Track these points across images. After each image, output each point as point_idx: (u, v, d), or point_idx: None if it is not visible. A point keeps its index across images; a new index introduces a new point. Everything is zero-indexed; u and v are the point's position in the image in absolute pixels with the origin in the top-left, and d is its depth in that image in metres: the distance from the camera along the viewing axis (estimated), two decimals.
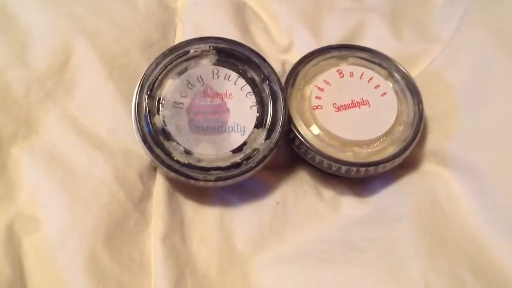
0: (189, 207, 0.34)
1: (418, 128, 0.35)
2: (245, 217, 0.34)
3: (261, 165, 0.33)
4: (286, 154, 0.36)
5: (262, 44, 0.41)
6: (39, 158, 0.32)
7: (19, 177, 0.32)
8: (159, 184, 0.34)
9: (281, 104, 0.34)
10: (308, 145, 0.34)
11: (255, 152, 0.33)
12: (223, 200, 0.35)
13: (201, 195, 0.35)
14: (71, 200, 0.31)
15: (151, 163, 0.34)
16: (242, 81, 0.35)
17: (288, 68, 0.38)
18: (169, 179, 0.34)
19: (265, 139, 0.33)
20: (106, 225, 0.31)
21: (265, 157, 0.33)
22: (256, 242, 0.34)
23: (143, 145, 0.33)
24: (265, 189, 0.35)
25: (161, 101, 0.33)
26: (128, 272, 0.31)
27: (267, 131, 0.34)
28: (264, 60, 0.35)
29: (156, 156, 0.32)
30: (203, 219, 0.34)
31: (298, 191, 0.36)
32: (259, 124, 0.34)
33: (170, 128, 0.33)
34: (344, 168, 0.34)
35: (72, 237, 0.30)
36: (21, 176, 0.32)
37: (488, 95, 0.36)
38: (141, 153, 0.34)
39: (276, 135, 0.33)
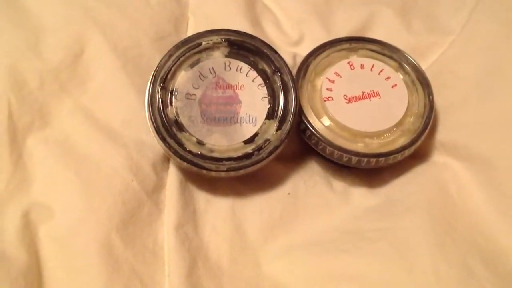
0: (202, 198, 0.35)
1: (429, 119, 0.35)
2: (257, 208, 0.35)
3: (272, 156, 0.33)
4: (297, 145, 0.37)
5: (272, 36, 0.42)
6: (53, 149, 0.33)
7: (34, 167, 0.32)
8: (172, 175, 0.34)
9: (292, 96, 0.34)
10: (319, 136, 0.34)
11: (267, 142, 0.33)
12: (235, 191, 0.35)
13: (213, 186, 0.35)
14: (85, 189, 0.32)
15: (164, 153, 0.34)
16: (253, 73, 0.35)
17: (299, 60, 0.38)
18: (181, 170, 0.35)
19: (277, 130, 0.34)
20: (120, 214, 0.32)
21: (276, 147, 0.33)
22: (267, 232, 0.34)
23: (156, 136, 0.33)
24: (276, 180, 0.36)
25: (173, 93, 0.34)
26: (142, 260, 0.31)
27: (279, 122, 0.34)
28: (275, 52, 0.35)
29: (169, 147, 0.33)
30: (215, 209, 0.34)
31: (309, 182, 0.36)
32: (271, 115, 0.34)
33: (183, 119, 0.33)
34: (355, 159, 0.34)
35: (86, 225, 0.31)
36: (36, 166, 0.32)
37: (499, 87, 0.36)
38: (154, 144, 0.34)
39: (287, 126, 0.34)
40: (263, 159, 0.33)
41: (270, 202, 0.35)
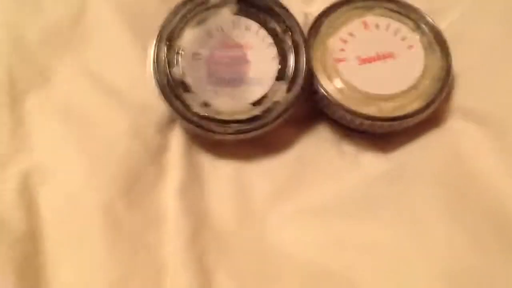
0: (207, 161, 0.34)
1: (445, 83, 0.34)
2: (263, 172, 0.34)
3: (281, 119, 0.32)
4: (308, 108, 0.35)
5: None
6: (55, 110, 0.32)
7: (35, 129, 0.32)
8: (177, 137, 0.33)
9: (303, 56, 0.33)
10: (330, 98, 0.33)
11: (276, 105, 0.32)
12: (241, 154, 0.34)
13: (219, 149, 0.34)
14: (88, 153, 0.31)
15: (170, 116, 0.33)
16: (263, 32, 0.33)
17: (311, 20, 0.36)
18: (187, 133, 0.34)
19: (286, 92, 0.32)
20: (123, 178, 0.31)
21: (285, 110, 0.32)
22: (273, 197, 0.33)
23: (162, 96, 0.32)
24: (284, 143, 0.35)
25: (180, 52, 0.33)
26: (146, 225, 0.31)
27: (288, 84, 0.32)
28: (287, 10, 0.34)
29: (175, 108, 0.32)
30: (221, 173, 0.33)
31: (319, 146, 0.35)
32: (280, 76, 0.33)
33: (189, 80, 0.32)
34: (367, 123, 0.33)
35: (89, 189, 0.30)
36: (37, 128, 0.32)
37: None
38: (159, 106, 0.33)
39: (297, 88, 0.32)
40: (271, 122, 0.32)
41: (277, 167, 0.34)
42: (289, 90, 0.32)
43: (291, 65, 0.33)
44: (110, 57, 0.34)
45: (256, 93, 0.32)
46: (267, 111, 0.32)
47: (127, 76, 0.34)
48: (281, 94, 0.32)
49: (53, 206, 0.30)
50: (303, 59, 0.33)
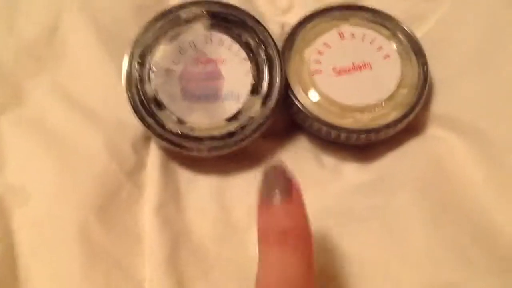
0: (184, 177, 0.33)
1: (423, 91, 0.34)
2: (242, 187, 0.33)
3: (256, 134, 0.32)
4: (285, 121, 0.35)
5: (260, 5, 0.39)
6: (28, 129, 0.32)
7: (7, 148, 0.31)
8: (153, 154, 0.33)
9: (277, 70, 0.33)
10: (305, 111, 0.33)
11: (251, 120, 0.32)
12: (219, 169, 0.34)
13: (197, 164, 0.34)
14: (62, 172, 0.31)
15: (144, 133, 0.33)
16: (236, 46, 0.33)
17: (288, 30, 0.36)
18: (163, 149, 0.33)
19: (261, 107, 0.32)
20: (98, 197, 0.31)
21: (260, 125, 0.32)
22: (253, 211, 0.33)
23: (135, 115, 0.32)
24: (262, 157, 0.34)
25: (152, 69, 0.32)
26: (122, 244, 0.30)
27: (263, 98, 0.32)
28: (260, 24, 0.33)
29: (148, 126, 0.31)
30: (199, 188, 0.33)
31: (298, 158, 0.35)
32: (255, 91, 0.32)
33: (162, 97, 0.32)
34: (343, 135, 0.33)
35: (63, 209, 0.30)
36: (9, 147, 0.31)
37: (499, 56, 0.34)
38: (134, 123, 0.33)
39: (272, 102, 0.32)
40: (246, 137, 0.32)
41: (256, 180, 0.34)
42: (263, 104, 0.32)
43: (266, 79, 0.33)
44: (84, 75, 0.34)
45: (231, 108, 0.32)
46: (242, 127, 0.32)
47: (102, 94, 0.34)
48: (256, 108, 0.32)
49: (28, 227, 0.30)
50: (277, 73, 0.33)
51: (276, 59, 0.33)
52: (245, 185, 0.33)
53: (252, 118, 0.32)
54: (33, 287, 0.29)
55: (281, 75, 0.32)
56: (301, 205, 0.25)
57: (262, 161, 0.34)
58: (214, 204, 0.33)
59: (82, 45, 0.35)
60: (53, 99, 0.33)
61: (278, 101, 0.32)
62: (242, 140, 0.32)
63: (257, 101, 0.32)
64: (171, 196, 0.32)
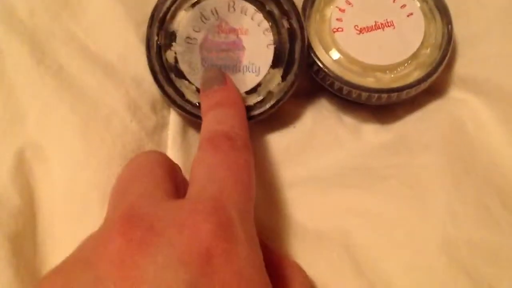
0: None
1: (447, 51, 0.33)
2: (262, 142, 0.33)
3: (274, 109, 0.32)
4: (307, 81, 0.35)
5: None
6: (47, 81, 0.31)
7: (27, 101, 0.31)
8: (174, 115, 0.33)
9: (299, 43, 0.32)
10: (326, 70, 0.32)
11: (270, 95, 0.31)
12: None
13: None
14: (83, 130, 0.30)
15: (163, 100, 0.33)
16: (259, 16, 0.32)
17: None
18: (182, 117, 0.33)
19: (281, 81, 0.32)
20: (120, 157, 0.30)
21: (279, 100, 0.31)
22: (272, 166, 0.33)
23: (155, 82, 0.31)
24: (282, 114, 0.34)
25: (173, 36, 0.32)
26: None
27: (284, 72, 0.32)
28: None
29: (167, 95, 0.31)
30: None
31: (317, 116, 0.34)
32: (275, 64, 0.32)
33: (183, 66, 0.31)
34: (365, 95, 0.32)
35: (86, 169, 0.29)
36: (30, 100, 0.31)
37: None
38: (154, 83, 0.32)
39: (292, 77, 0.31)
40: (264, 112, 0.31)
41: (275, 136, 0.33)
42: (283, 79, 0.32)
43: (287, 53, 0.32)
44: (101, 31, 0.33)
45: (251, 81, 0.32)
46: (261, 101, 0.31)
47: (120, 51, 0.33)
48: (276, 82, 0.32)
49: (48, 185, 0.29)
50: (299, 46, 0.32)
51: (299, 32, 0.32)
52: (265, 141, 0.33)
53: (271, 92, 0.31)
54: (55, 242, 0.29)
55: (303, 49, 0.32)
56: (235, 89, 0.30)
57: (281, 118, 0.34)
58: None
59: (101, 2, 0.34)
60: (71, 52, 0.32)
61: (298, 75, 0.32)
62: (260, 114, 0.31)
63: (277, 75, 0.32)
64: (190, 160, 0.32)
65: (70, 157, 0.30)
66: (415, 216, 0.30)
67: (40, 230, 0.29)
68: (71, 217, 0.29)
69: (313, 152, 0.33)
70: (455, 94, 0.34)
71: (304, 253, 0.29)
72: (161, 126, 0.33)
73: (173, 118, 0.33)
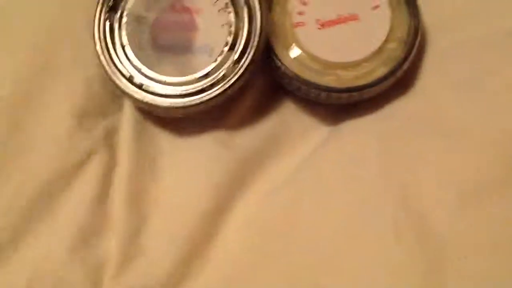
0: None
1: (412, 46, 0.31)
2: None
3: (227, 93, 0.30)
4: (267, 78, 0.33)
5: None
6: None
7: None
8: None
9: (257, 24, 0.30)
10: (284, 68, 0.31)
11: (222, 78, 0.30)
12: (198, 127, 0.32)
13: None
14: None
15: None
16: None
17: None
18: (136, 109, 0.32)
19: (234, 64, 0.30)
20: None
21: (232, 85, 0.30)
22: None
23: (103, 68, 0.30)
24: (242, 117, 0.32)
25: (123, 16, 0.30)
26: None
27: (238, 55, 0.30)
28: None
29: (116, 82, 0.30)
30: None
31: (279, 120, 0.33)
32: (231, 46, 0.30)
33: (132, 46, 0.30)
34: (324, 94, 0.31)
35: None
36: None
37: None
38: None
39: (246, 60, 0.30)
40: (216, 96, 0.30)
41: (237, 141, 0.32)
42: (237, 62, 0.30)
43: (243, 34, 0.30)
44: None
45: (203, 63, 0.30)
46: (212, 84, 0.30)
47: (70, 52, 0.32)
48: (229, 65, 0.30)
49: None
50: (257, 28, 0.30)
51: (257, 11, 0.30)
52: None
53: (224, 75, 0.30)
54: None
55: (261, 32, 0.30)
56: None
57: (241, 121, 0.32)
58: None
59: None
60: None
61: (254, 60, 0.30)
62: (212, 99, 0.30)
63: (231, 57, 0.30)
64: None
65: None
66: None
67: None
68: None
69: (275, 158, 0.32)
70: (423, 90, 0.32)
71: None
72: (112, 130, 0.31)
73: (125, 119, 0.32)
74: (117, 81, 0.30)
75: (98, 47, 0.30)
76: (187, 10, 0.31)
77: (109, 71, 0.30)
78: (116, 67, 0.30)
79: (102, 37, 0.30)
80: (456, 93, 0.30)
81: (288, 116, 0.33)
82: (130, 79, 0.30)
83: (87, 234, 0.29)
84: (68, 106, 0.31)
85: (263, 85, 0.33)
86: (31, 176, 0.29)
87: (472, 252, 0.27)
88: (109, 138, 0.31)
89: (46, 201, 0.29)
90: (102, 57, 0.30)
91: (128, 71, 0.30)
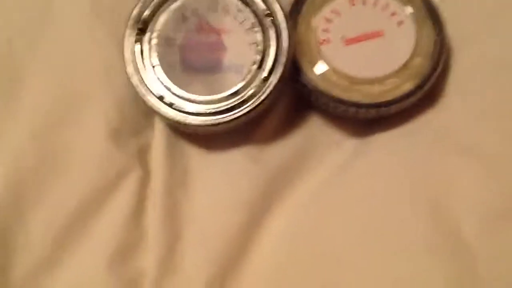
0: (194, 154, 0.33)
1: (439, 60, 0.31)
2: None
3: (256, 111, 0.30)
4: (293, 95, 0.33)
5: None
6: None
7: None
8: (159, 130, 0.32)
9: (284, 44, 0.30)
10: (311, 85, 0.31)
11: (251, 97, 0.30)
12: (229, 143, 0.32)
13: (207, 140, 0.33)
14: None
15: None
16: (241, 15, 0.31)
17: None
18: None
19: (263, 82, 0.30)
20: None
21: (262, 102, 0.30)
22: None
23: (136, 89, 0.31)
24: (270, 133, 0.33)
25: (152, 37, 0.31)
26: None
27: (267, 73, 0.30)
28: None
29: (147, 100, 0.31)
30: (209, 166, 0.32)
31: (307, 135, 0.33)
32: (258, 64, 0.31)
33: (162, 67, 0.31)
34: (352, 110, 0.31)
35: None
36: None
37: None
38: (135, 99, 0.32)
39: (275, 78, 0.30)
40: (245, 114, 0.30)
41: (265, 158, 0.32)
42: (266, 80, 0.30)
43: (271, 53, 0.31)
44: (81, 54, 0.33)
45: (232, 82, 0.30)
46: (242, 103, 0.30)
47: (101, 74, 0.33)
48: (258, 83, 0.30)
49: None
50: (285, 47, 0.30)
51: (285, 31, 0.31)
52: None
53: (253, 94, 0.30)
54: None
55: (289, 50, 0.30)
56: None
57: (269, 138, 0.33)
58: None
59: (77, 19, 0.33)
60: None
61: (282, 77, 0.30)
62: (241, 116, 0.30)
63: (260, 76, 0.30)
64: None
65: None
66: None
67: None
68: None
69: (305, 172, 0.32)
70: (450, 104, 0.32)
71: None
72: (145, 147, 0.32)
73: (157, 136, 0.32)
74: (149, 101, 0.30)
75: (128, 69, 0.31)
76: (214, 30, 0.31)
77: (141, 92, 0.30)
78: (147, 87, 0.30)
79: (132, 58, 0.31)
80: (479, 113, 0.31)
81: (316, 131, 0.33)
82: (161, 99, 0.30)
83: (124, 251, 0.29)
84: (102, 127, 0.31)
85: (291, 101, 0.33)
86: (68, 196, 0.30)
87: (504, 268, 0.27)
88: (143, 156, 0.32)
89: (83, 220, 0.29)
90: (133, 79, 0.31)
91: (159, 91, 0.30)
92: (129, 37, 0.31)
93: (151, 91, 0.31)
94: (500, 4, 0.33)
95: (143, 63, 0.31)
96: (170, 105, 0.30)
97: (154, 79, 0.31)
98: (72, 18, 0.33)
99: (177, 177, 0.31)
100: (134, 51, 0.31)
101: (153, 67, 0.31)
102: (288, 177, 0.32)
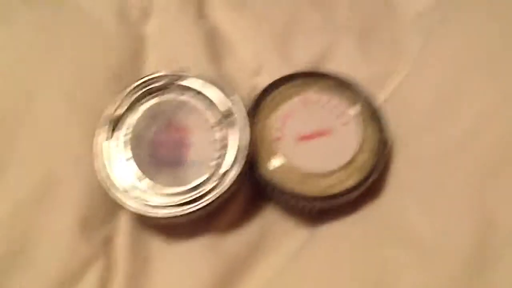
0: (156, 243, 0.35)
1: (381, 156, 0.35)
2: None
3: (216, 202, 0.33)
4: (251, 189, 0.36)
5: (231, 68, 0.41)
6: None
7: None
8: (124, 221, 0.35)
9: (244, 142, 0.34)
10: (266, 178, 0.34)
11: (211, 190, 0.33)
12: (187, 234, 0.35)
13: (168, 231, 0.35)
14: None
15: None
16: (205, 115, 0.35)
17: (252, 97, 0.37)
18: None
19: (223, 176, 0.33)
20: None
21: (221, 196, 0.33)
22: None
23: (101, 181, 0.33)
24: (229, 224, 0.35)
25: (124, 133, 0.34)
26: None
27: (227, 169, 0.33)
28: (233, 92, 0.35)
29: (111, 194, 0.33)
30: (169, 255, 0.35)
31: (264, 226, 0.36)
32: (219, 161, 0.34)
33: (133, 160, 0.34)
34: (302, 203, 0.34)
35: None
36: None
37: (456, 115, 0.35)
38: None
39: (234, 174, 0.33)
40: (206, 206, 0.33)
41: (224, 247, 0.35)
42: (225, 175, 0.33)
43: (231, 149, 0.34)
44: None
45: (194, 177, 0.33)
46: (202, 196, 0.33)
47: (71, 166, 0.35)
48: (218, 179, 0.33)
49: None
50: (244, 144, 0.34)
51: (244, 129, 0.34)
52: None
53: (213, 188, 0.33)
54: None
55: (248, 148, 0.34)
56: None
57: (229, 227, 0.35)
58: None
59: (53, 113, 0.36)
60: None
61: (241, 173, 0.33)
62: (200, 209, 0.33)
63: (220, 172, 0.33)
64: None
65: None
66: None
67: None
68: None
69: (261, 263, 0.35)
70: (392, 198, 0.35)
71: None
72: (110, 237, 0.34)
73: (122, 226, 0.35)
74: (113, 194, 0.33)
75: (95, 164, 0.34)
76: (180, 129, 0.35)
77: (105, 186, 0.33)
78: (113, 182, 0.33)
79: (100, 153, 0.34)
80: (417, 205, 0.34)
81: (271, 220, 0.36)
82: (126, 192, 0.33)
83: None
84: (70, 217, 0.33)
85: (249, 192, 0.36)
86: (33, 286, 0.31)
87: None
88: (107, 245, 0.34)
89: None
90: (99, 174, 0.34)
91: (124, 185, 0.33)
92: (101, 134, 0.34)
93: (115, 185, 0.33)
94: (436, 102, 0.37)
95: (112, 158, 0.34)
96: (135, 198, 0.33)
97: (122, 173, 0.34)
98: (48, 112, 0.36)
99: (139, 267, 0.33)
100: (103, 147, 0.34)
101: (126, 160, 0.34)
102: (246, 264, 0.34)
